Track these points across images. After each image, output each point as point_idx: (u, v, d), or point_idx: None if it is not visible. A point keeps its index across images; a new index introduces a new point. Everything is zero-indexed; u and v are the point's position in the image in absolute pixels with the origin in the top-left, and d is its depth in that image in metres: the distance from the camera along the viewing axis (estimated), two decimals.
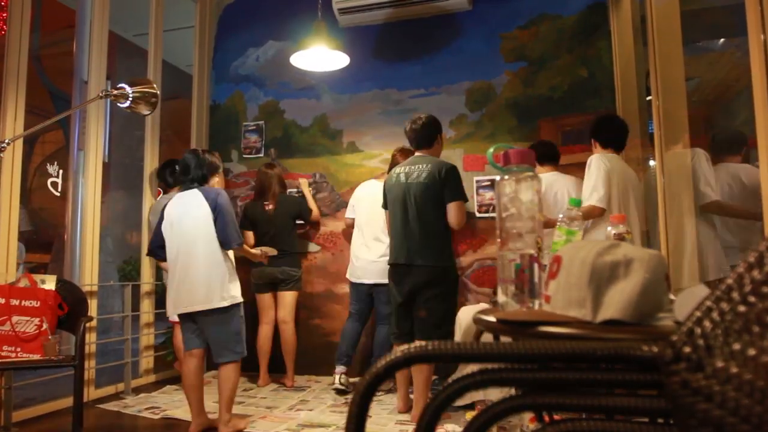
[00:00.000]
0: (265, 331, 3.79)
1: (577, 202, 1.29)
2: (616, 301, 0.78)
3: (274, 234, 3.77)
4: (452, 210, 2.82)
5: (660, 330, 0.76)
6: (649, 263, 0.80)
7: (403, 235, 2.87)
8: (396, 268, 2.92)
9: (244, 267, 4.25)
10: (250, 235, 3.84)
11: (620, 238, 1.28)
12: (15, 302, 2.63)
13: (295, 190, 4.23)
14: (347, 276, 3.71)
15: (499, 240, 1.03)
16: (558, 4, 3.92)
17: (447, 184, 2.84)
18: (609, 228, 1.32)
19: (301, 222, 4.04)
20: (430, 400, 0.62)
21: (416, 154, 3.05)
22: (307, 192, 4.14)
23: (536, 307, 1.00)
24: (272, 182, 3.84)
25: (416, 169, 2.93)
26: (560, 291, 0.86)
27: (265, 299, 3.80)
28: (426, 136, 3.00)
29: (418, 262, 2.81)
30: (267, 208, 3.80)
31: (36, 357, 2.56)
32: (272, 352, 3.82)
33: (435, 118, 3.06)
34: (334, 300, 4.13)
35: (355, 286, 3.63)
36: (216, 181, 3.85)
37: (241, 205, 4.38)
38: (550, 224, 2.81)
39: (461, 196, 2.86)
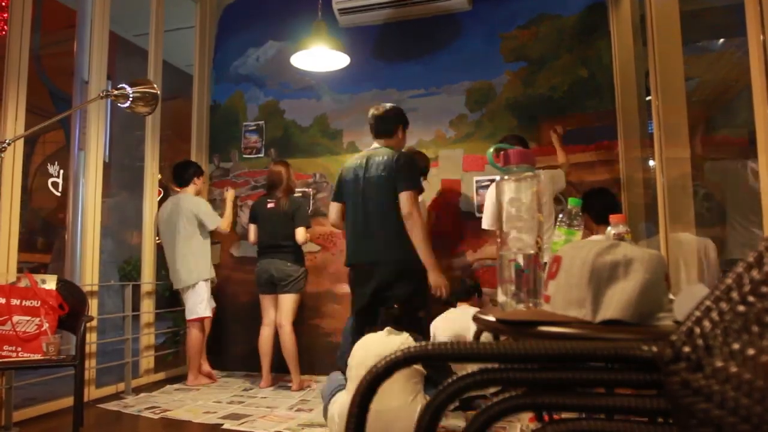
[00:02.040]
0: (265, 333, 3.76)
1: (578, 202, 1.29)
2: (616, 302, 0.78)
3: (272, 231, 3.75)
4: (403, 199, 2.70)
5: (660, 330, 0.76)
6: (649, 263, 0.80)
7: (364, 234, 2.78)
8: (358, 269, 2.84)
9: (246, 266, 4.25)
10: (252, 229, 3.87)
11: (620, 238, 1.28)
12: (15, 302, 2.63)
13: (301, 192, 4.25)
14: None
15: (499, 240, 1.04)
16: (558, 4, 3.92)
17: (400, 173, 2.73)
18: (609, 228, 1.32)
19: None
20: (429, 399, 0.62)
21: (374, 144, 2.93)
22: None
23: (536, 306, 1.00)
24: (276, 180, 3.83)
25: (374, 161, 2.81)
26: (560, 291, 0.86)
27: (266, 300, 3.77)
28: (387, 124, 2.91)
29: (382, 259, 2.72)
30: (269, 205, 3.80)
31: (36, 357, 2.56)
32: (275, 354, 3.77)
33: (401, 109, 2.99)
34: (334, 300, 4.13)
35: None
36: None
37: (240, 204, 4.41)
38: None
39: (413, 185, 2.73)
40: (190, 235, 3.83)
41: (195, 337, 3.78)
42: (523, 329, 0.85)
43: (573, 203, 1.27)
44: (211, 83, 4.69)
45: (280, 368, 3.80)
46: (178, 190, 3.96)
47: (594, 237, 2.96)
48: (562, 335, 0.79)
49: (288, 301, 3.69)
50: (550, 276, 0.90)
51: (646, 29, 2.72)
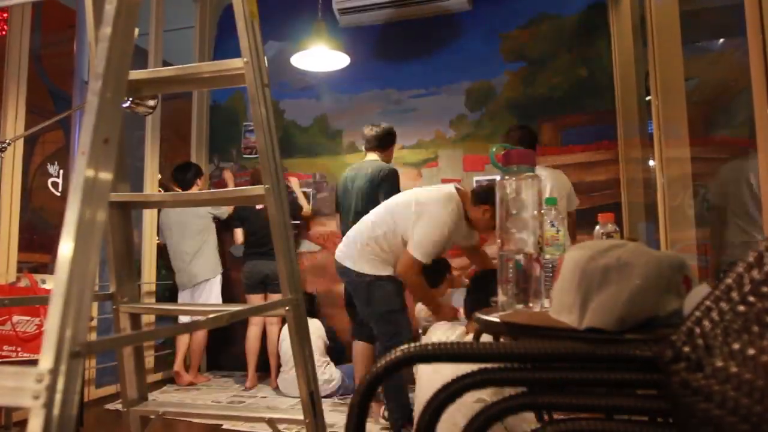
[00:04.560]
0: (253, 332, 3.80)
1: (553, 201, 1.28)
2: (600, 309, 0.75)
3: (266, 233, 3.71)
4: None
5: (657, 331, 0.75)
6: (645, 268, 0.75)
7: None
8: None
9: (235, 266, 4.23)
10: (239, 233, 3.87)
11: (608, 236, 1.27)
12: None
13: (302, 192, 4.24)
14: None
15: (499, 240, 1.04)
16: (558, 4, 3.92)
17: (382, 185, 2.90)
18: (597, 227, 1.32)
19: (296, 222, 4.01)
20: (430, 399, 0.62)
21: (367, 156, 3.15)
22: (297, 189, 4.13)
23: (540, 307, 1.00)
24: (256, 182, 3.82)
25: (362, 172, 3.02)
26: (557, 294, 0.85)
27: (254, 300, 3.78)
28: (383, 140, 3.13)
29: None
30: (257, 207, 3.79)
31: (37, 357, 2.55)
32: (261, 354, 3.82)
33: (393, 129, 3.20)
34: (334, 300, 4.12)
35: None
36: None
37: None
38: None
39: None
40: (202, 232, 3.88)
41: (203, 335, 3.86)
42: (522, 331, 0.85)
43: (549, 203, 1.26)
44: None
45: (262, 367, 3.86)
46: (180, 191, 3.96)
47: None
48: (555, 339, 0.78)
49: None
50: (554, 278, 0.90)
51: (646, 29, 2.72)
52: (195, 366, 3.95)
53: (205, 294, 3.82)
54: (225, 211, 3.99)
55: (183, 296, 3.90)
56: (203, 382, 3.92)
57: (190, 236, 3.85)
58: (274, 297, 3.73)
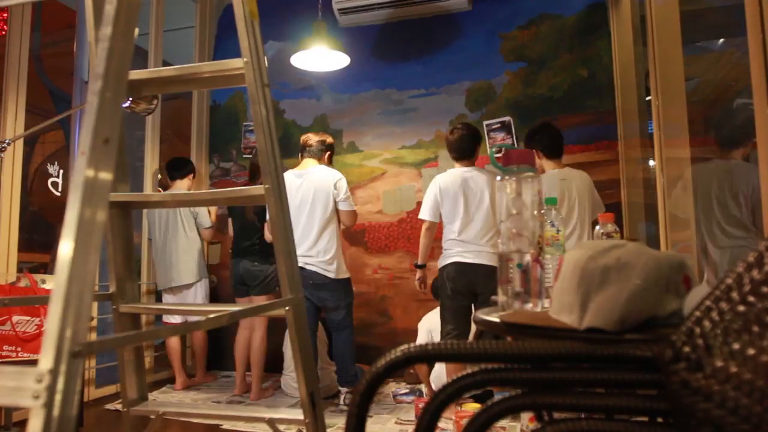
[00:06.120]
0: (241, 337, 3.55)
1: (554, 201, 1.28)
2: (600, 309, 0.75)
3: (242, 227, 3.54)
4: None
5: (657, 331, 0.75)
6: (645, 268, 0.75)
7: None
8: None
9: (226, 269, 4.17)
10: (230, 222, 3.81)
11: (608, 236, 1.28)
12: None
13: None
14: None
15: (499, 240, 1.03)
16: (558, 4, 3.92)
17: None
18: (597, 227, 1.33)
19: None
20: (430, 399, 0.62)
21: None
22: None
23: (540, 307, 1.00)
24: (255, 173, 3.67)
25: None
26: (557, 294, 0.85)
27: (241, 302, 3.53)
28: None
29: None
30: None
31: (36, 357, 2.55)
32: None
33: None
34: None
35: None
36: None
37: None
38: None
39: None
40: (189, 232, 3.77)
41: (202, 336, 3.82)
42: (522, 331, 0.85)
43: (548, 203, 1.26)
44: None
45: (269, 368, 3.70)
46: (170, 184, 3.88)
47: (549, 172, 2.93)
48: (554, 338, 0.78)
49: (260, 302, 3.33)
50: (555, 278, 0.90)
51: (646, 29, 2.72)
52: (201, 366, 3.90)
53: (189, 299, 3.68)
54: (209, 223, 3.86)
55: (166, 299, 3.76)
56: (207, 382, 3.91)
57: (177, 235, 3.72)
58: (257, 299, 3.44)
